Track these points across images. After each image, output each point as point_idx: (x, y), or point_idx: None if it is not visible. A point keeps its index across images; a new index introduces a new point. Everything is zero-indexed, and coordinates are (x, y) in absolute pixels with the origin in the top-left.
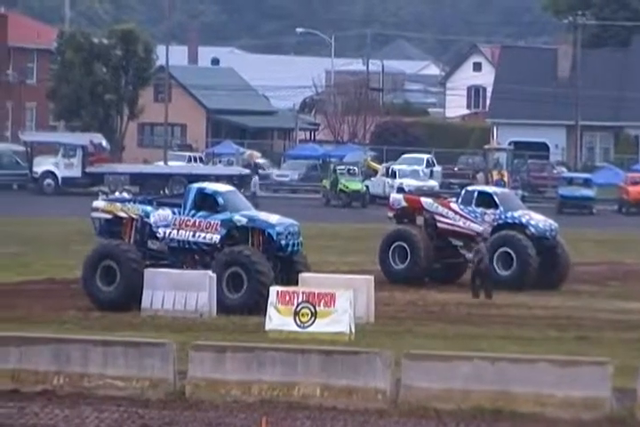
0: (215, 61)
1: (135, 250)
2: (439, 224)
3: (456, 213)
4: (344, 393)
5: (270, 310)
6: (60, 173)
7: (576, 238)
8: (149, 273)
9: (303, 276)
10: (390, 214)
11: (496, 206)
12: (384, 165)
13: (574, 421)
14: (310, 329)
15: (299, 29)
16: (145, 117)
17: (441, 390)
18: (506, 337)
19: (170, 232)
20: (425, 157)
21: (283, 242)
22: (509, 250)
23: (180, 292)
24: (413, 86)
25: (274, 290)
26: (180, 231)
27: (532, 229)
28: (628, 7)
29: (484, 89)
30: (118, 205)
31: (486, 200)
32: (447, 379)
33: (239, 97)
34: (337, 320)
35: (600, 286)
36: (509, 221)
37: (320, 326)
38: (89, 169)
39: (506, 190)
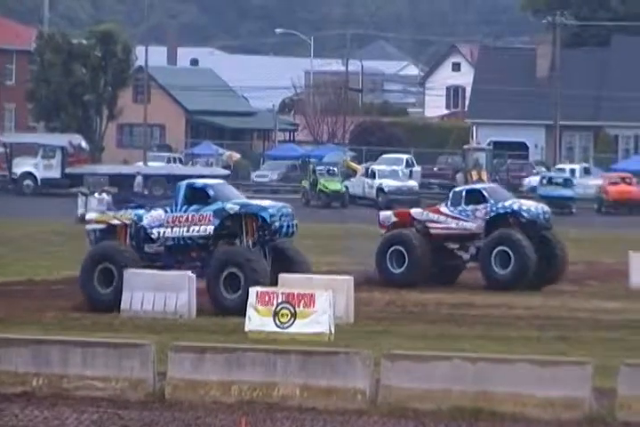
0: (194, 62)
1: (132, 251)
2: (432, 231)
3: (447, 216)
4: (323, 394)
5: (250, 311)
6: (40, 173)
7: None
8: (129, 274)
9: (283, 276)
10: (383, 232)
11: (486, 201)
12: (363, 165)
13: (554, 421)
14: (290, 330)
15: (278, 30)
16: (124, 118)
17: (420, 390)
18: (486, 337)
19: (164, 231)
20: (404, 157)
21: (277, 224)
22: (507, 249)
23: (159, 293)
24: (393, 86)
25: (253, 290)
26: (175, 229)
27: (525, 214)
28: (607, 6)
29: (463, 89)
30: (110, 213)
31: (475, 197)
32: (427, 379)
33: (218, 98)
34: (317, 321)
35: (580, 286)
36: (501, 211)
37: (300, 327)
38: (68, 170)
39: (492, 184)
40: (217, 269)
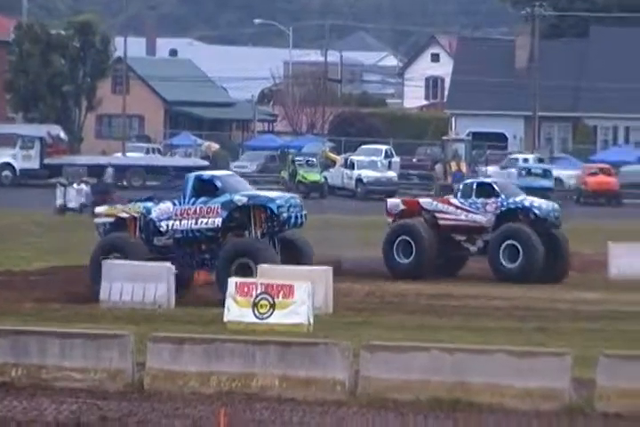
0: (173, 53)
1: (141, 243)
2: (440, 222)
3: (457, 207)
4: (302, 384)
5: (228, 302)
6: (18, 164)
7: None
8: (107, 265)
9: (262, 267)
10: (389, 220)
11: (497, 195)
12: (342, 156)
13: (532, 411)
14: (269, 320)
15: (256, 20)
16: (103, 109)
17: (399, 380)
18: (465, 328)
19: (173, 224)
20: (383, 147)
21: (285, 215)
22: (515, 243)
23: (138, 283)
24: (372, 77)
25: (232, 281)
26: (183, 221)
27: (537, 211)
28: None
29: (442, 80)
30: (119, 206)
31: (486, 190)
32: (405, 370)
33: (197, 88)
34: (296, 312)
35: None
36: (512, 206)
37: (279, 318)
38: (47, 161)
39: (503, 179)
40: (227, 260)
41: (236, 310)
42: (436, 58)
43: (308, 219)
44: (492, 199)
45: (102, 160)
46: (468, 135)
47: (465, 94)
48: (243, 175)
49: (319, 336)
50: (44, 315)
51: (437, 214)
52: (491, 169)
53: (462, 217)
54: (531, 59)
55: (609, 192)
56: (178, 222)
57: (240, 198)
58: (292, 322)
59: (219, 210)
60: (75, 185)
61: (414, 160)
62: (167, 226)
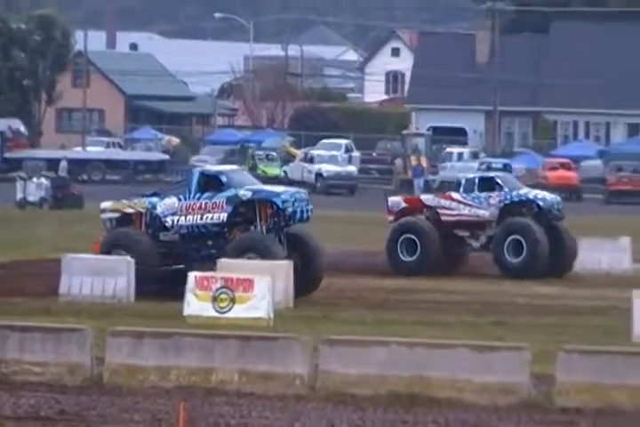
0: (134, 47)
1: (147, 237)
2: (443, 218)
3: (459, 202)
4: (262, 379)
5: (188, 296)
6: None
7: None
8: (67, 259)
9: (221, 261)
10: (391, 218)
11: (500, 189)
12: (302, 150)
13: (491, 406)
14: (229, 315)
15: (217, 15)
16: (63, 103)
17: (358, 375)
18: (423, 322)
19: (178, 219)
20: (343, 142)
21: (290, 209)
22: (520, 238)
23: (97, 277)
24: (332, 72)
25: (192, 275)
26: (188, 217)
27: (541, 203)
28: None
29: (403, 74)
30: (125, 201)
31: (489, 185)
32: (364, 364)
33: (158, 82)
34: (255, 306)
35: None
36: (516, 199)
37: (239, 312)
38: (7, 155)
39: (505, 173)
40: (233, 255)
41: (196, 305)
42: (396, 52)
43: None
44: (496, 193)
45: (62, 154)
46: (428, 130)
47: (425, 89)
48: None
49: (279, 331)
50: (3, 309)
51: (440, 210)
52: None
53: (465, 212)
54: (491, 53)
55: (569, 187)
56: (183, 218)
57: (245, 193)
58: (251, 316)
59: (224, 205)
60: (34, 179)
61: (374, 155)
62: (172, 221)
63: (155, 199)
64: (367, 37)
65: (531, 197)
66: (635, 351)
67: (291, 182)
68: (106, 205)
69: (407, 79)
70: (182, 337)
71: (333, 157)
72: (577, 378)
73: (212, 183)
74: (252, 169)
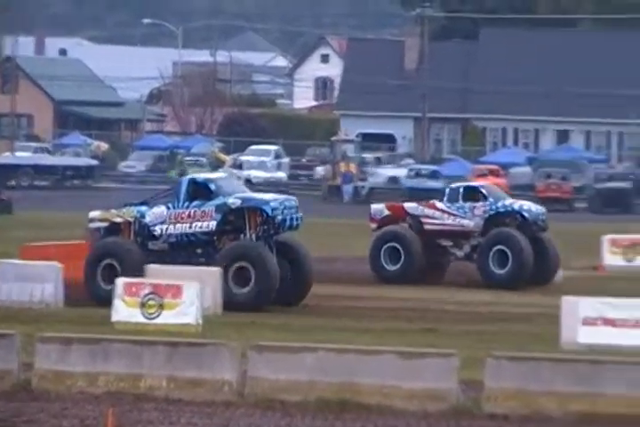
0: (62, 52)
1: (136, 246)
2: (426, 227)
3: (443, 212)
4: (190, 385)
5: (116, 302)
6: None
7: None
8: None
9: (150, 267)
10: (373, 226)
11: (485, 199)
12: (232, 156)
13: (420, 412)
14: (157, 321)
15: (145, 20)
16: None
17: (287, 381)
18: (353, 329)
19: (167, 228)
20: (272, 148)
21: (279, 217)
22: (505, 248)
23: (26, 283)
24: (261, 78)
25: (120, 281)
26: (177, 225)
27: (527, 215)
28: None
29: (332, 81)
30: (113, 211)
31: (473, 194)
32: (293, 370)
33: (86, 88)
34: (184, 312)
35: (447, 278)
36: (501, 210)
37: (167, 318)
38: None
39: (489, 184)
40: (225, 264)
41: (124, 311)
42: (325, 59)
43: None
44: (481, 203)
45: None
46: (357, 136)
47: (354, 95)
48: (131, 175)
49: (207, 337)
50: None
51: (423, 219)
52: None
53: (449, 222)
54: (420, 60)
55: None
56: (172, 226)
57: (234, 201)
58: (180, 322)
59: (213, 213)
60: None
61: (304, 161)
62: (161, 230)
63: (143, 208)
64: (296, 43)
65: (516, 208)
66: (562, 358)
67: None
68: (94, 214)
69: (336, 85)
70: (110, 343)
71: (262, 164)
72: (505, 384)
73: (200, 191)
74: (181, 175)
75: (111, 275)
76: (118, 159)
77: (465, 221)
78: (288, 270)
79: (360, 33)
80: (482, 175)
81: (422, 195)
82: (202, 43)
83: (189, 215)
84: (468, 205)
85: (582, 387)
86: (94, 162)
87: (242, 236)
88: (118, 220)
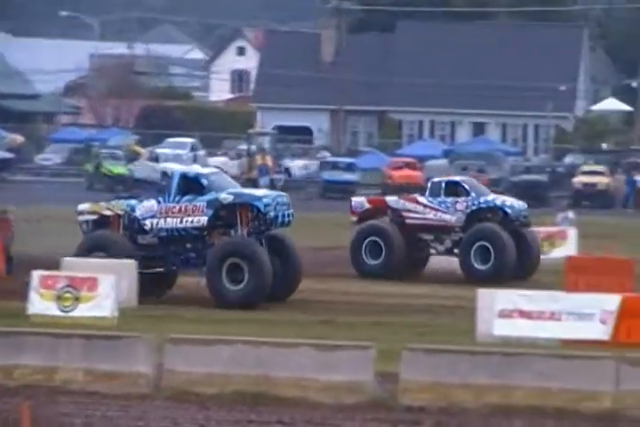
0: None
1: (126, 240)
2: (408, 221)
3: (425, 206)
4: (106, 378)
5: (32, 295)
6: None
7: (337, 222)
8: None
9: (66, 260)
10: (354, 219)
11: (467, 194)
12: (148, 148)
13: (336, 405)
14: (73, 314)
15: (62, 13)
16: None
17: (203, 374)
18: (271, 321)
19: (157, 222)
20: (189, 141)
21: (272, 213)
22: (488, 244)
23: None
24: (178, 70)
25: (36, 274)
26: (168, 220)
27: (509, 211)
28: None
29: (248, 73)
30: (102, 203)
31: (455, 189)
32: (209, 363)
33: (2, 80)
34: (100, 305)
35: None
36: (483, 205)
37: (83, 311)
38: None
39: (471, 178)
40: (218, 259)
41: (40, 304)
42: (241, 51)
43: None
44: (463, 198)
45: None
46: (273, 129)
47: (271, 88)
48: (46, 168)
49: (123, 329)
50: None
51: (404, 213)
52: (300, 163)
53: (431, 216)
54: (337, 53)
55: (414, 186)
56: (162, 221)
57: (226, 197)
58: (96, 315)
59: (204, 208)
60: None
61: (220, 153)
62: (151, 224)
63: (133, 202)
64: (213, 36)
65: (498, 203)
66: (477, 351)
67: (136, 181)
68: (83, 207)
69: (253, 78)
70: (26, 336)
71: (178, 156)
72: (421, 377)
73: (192, 186)
74: (97, 168)
75: None
76: (34, 152)
77: (447, 216)
78: (278, 266)
79: (277, 25)
80: (398, 168)
81: (338, 187)
82: (119, 35)
83: (180, 210)
84: (450, 199)
85: (496, 379)
86: (10, 155)
87: (232, 231)
88: (108, 213)
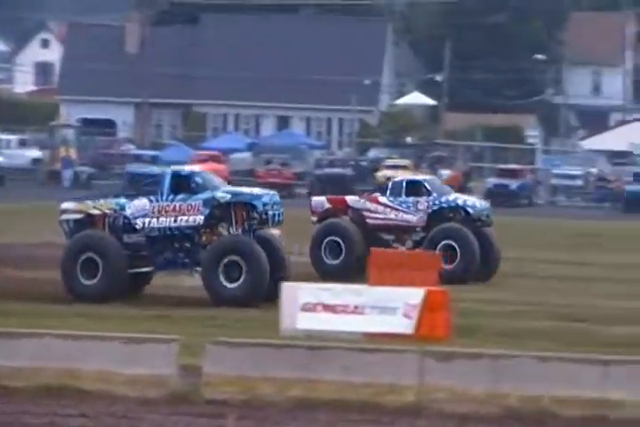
0: None
1: (114, 240)
2: (368, 220)
3: (386, 206)
4: None
5: None
6: None
7: None
8: None
9: None
10: (314, 219)
11: (428, 193)
12: None
13: (139, 398)
14: None
15: None
16: None
17: (9, 368)
18: (86, 315)
19: (149, 221)
20: None
21: (270, 213)
22: (452, 243)
23: None
24: None
25: None
26: (161, 219)
27: (471, 210)
28: None
29: (53, 65)
30: (89, 202)
31: (416, 189)
32: (16, 357)
33: None
34: None
35: None
36: (445, 205)
37: None
38: None
39: (433, 177)
40: (215, 258)
41: None
42: (45, 44)
43: None
44: (424, 198)
45: None
46: (77, 121)
47: (75, 80)
48: None
49: None
50: None
51: (365, 213)
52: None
53: (392, 216)
54: (142, 45)
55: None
56: (155, 220)
57: (223, 195)
58: None
59: (200, 207)
60: None
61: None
62: (143, 223)
63: (122, 200)
64: (17, 28)
65: (460, 203)
66: (281, 344)
67: None
68: (68, 205)
69: (57, 70)
70: None
71: None
72: (224, 370)
73: (184, 185)
74: None
75: (91, 270)
76: None
77: (408, 216)
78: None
79: (81, 18)
80: (203, 161)
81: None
82: None
83: (175, 209)
84: (411, 199)
85: (300, 373)
86: None
87: (221, 230)
88: (95, 212)
